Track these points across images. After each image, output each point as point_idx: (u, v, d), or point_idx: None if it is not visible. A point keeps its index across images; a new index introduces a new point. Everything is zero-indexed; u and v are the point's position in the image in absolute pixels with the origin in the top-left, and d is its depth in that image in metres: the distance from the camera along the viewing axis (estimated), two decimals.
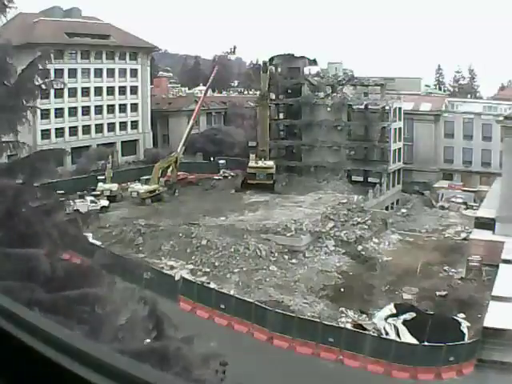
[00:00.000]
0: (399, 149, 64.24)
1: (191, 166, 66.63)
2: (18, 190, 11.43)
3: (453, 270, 42.37)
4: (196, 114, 66.37)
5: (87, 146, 68.70)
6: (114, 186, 57.64)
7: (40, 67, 12.68)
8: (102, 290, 11.53)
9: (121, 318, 12.16)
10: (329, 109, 63.36)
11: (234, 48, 67.97)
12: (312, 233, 46.03)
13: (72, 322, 10.47)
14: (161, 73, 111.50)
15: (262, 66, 64.37)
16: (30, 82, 12.33)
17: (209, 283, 38.43)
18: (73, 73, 68.96)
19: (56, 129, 66.97)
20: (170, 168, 60.14)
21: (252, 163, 60.62)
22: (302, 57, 66.84)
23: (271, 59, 66.78)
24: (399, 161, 64.29)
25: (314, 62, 67.86)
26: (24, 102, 12.29)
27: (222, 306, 34.54)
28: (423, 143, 68.65)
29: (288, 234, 45.29)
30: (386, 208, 58.05)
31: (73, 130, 69.14)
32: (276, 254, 43.21)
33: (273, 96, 64.92)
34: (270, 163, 60.06)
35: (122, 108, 74.79)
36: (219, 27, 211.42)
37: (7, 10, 11.77)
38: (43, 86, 12.84)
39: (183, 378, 10.08)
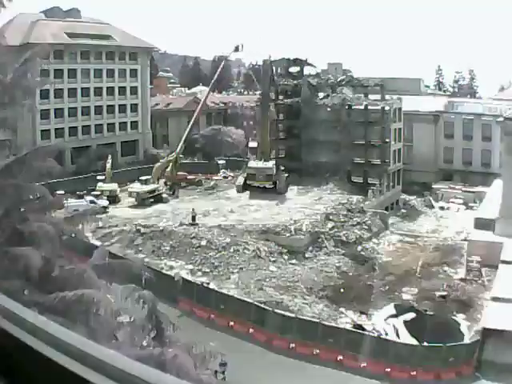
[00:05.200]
0: (399, 149, 64.19)
1: (191, 166, 66.68)
2: (16, 189, 11.42)
3: (452, 271, 42.38)
4: (198, 114, 66.30)
5: (87, 147, 68.74)
6: (114, 186, 57.63)
7: (36, 64, 12.67)
8: (98, 291, 11.52)
9: (119, 319, 12.15)
10: (329, 109, 63.36)
11: (241, 46, 67.54)
12: (312, 233, 46.01)
13: (69, 324, 10.46)
14: (160, 73, 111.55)
15: (262, 66, 64.21)
16: (25, 78, 12.32)
17: (208, 283, 38.42)
18: (73, 73, 69.03)
19: (56, 129, 66.98)
20: (170, 168, 60.13)
21: (252, 164, 60.46)
22: (301, 59, 66.81)
23: (272, 61, 66.73)
24: (399, 161, 64.25)
25: (310, 64, 67.82)
26: (20, 98, 12.29)
27: (222, 307, 34.52)
28: (423, 144, 68.65)
29: (288, 235, 45.27)
30: (386, 208, 58.00)
31: (73, 131, 69.17)
32: (276, 255, 43.21)
33: (273, 96, 64.90)
34: (270, 164, 59.80)
35: (122, 108, 74.79)
36: (219, 28, 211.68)
37: (4, 9, 11.77)
38: (39, 85, 12.85)
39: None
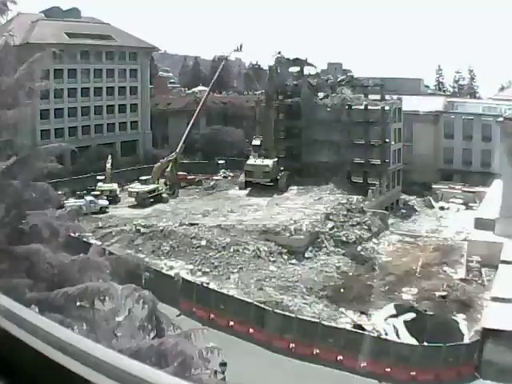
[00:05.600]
0: (399, 149, 64.19)
1: (191, 166, 66.68)
2: (18, 189, 11.45)
3: (452, 271, 42.38)
4: (198, 114, 66.39)
5: (87, 147, 68.72)
6: (114, 186, 57.65)
7: (40, 66, 12.71)
8: (100, 283, 11.56)
9: (119, 315, 12.17)
10: (328, 109, 63.35)
11: (241, 46, 67.36)
12: (311, 233, 46.01)
13: (71, 320, 10.48)
14: (160, 73, 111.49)
15: (269, 68, 64.57)
16: (29, 80, 12.36)
17: (208, 283, 38.43)
18: (72, 73, 69.05)
19: (55, 129, 66.98)
20: (170, 168, 60.14)
21: (250, 161, 60.64)
22: (301, 59, 66.80)
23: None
24: (399, 161, 64.24)
25: (310, 64, 67.78)
26: (23, 99, 12.32)
27: (222, 307, 34.53)
28: (423, 144, 68.61)
29: (288, 235, 45.27)
30: (386, 208, 58.00)
31: (72, 131, 69.16)
32: (275, 255, 43.21)
33: (273, 96, 64.88)
34: (269, 162, 59.87)
35: (122, 108, 74.79)
36: (219, 28, 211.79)
37: (8, 11, 11.79)
38: (42, 87, 12.88)
39: (181, 375, 10.09)
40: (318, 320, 33.04)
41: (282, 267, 41.91)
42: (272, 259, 42.66)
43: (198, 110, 67.03)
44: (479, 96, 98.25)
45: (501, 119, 47.56)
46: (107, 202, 54.24)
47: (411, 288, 39.35)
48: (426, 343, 30.73)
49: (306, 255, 44.05)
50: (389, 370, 29.64)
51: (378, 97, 63.42)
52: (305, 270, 41.93)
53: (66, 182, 54.73)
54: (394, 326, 33.04)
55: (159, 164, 60.05)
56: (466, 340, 31.47)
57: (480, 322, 31.54)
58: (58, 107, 67.16)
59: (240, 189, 59.29)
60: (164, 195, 57.39)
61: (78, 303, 11.24)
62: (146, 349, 10.74)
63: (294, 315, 33.43)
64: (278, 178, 60.09)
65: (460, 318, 34.33)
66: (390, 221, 54.48)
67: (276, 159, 61.34)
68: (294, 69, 67.18)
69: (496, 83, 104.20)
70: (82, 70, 70.19)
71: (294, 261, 43.00)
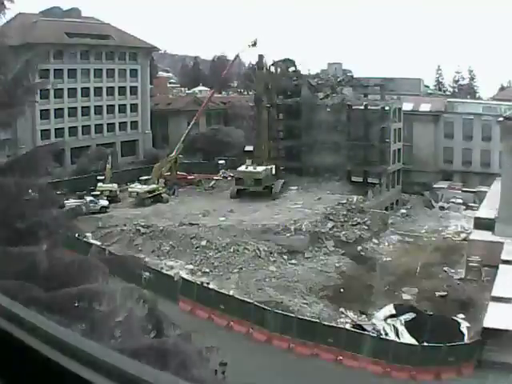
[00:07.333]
0: (399, 149, 64.17)
1: (191, 166, 66.60)
2: (16, 188, 11.43)
3: (452, 271, 42.38)
4: (199, 113, 66.33)
5: (87, 147, 68.65)
6: (114, 186, 57.64)
7: (36, 65, 12.70)
8: (99, 285, 11.55)
9: (119, 315, 12.16)
10: (328, 109, 63.30)
11: (255, 41, 66.57)
12: (311, 233, 45.99)
13: (70, 320, 10.46)
14: (160, 73, 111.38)
15: (257, 65, 64.27)
16: (26, 79, 12.36)
17: (208, 283, 38.43)
18: (72, 73, 68.97)
19: (56, 129, 66.90)
20: (169, 168, 60.09)
21: (241, 168, 58.22)
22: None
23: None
24: (399, 161, 64.23)
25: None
26: (20, 98, 12.32)
27: (222, 307, 34.53)
28: (423, 144, 68.58)
29: (287, 235, 45.25)
30: (386, 208, 58.00)
31: (72, 131, 69.07)
32: (275, 255, 43.20)
33: (272, 98, 64.60)
34: (260, 169, 57.30)
35: (122, 108, 74.71)
36: (218, 28, 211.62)
37: (6, 10, 11.78)
38: (39, 85, 12.87)
39: (181, 375, 10.09)
40: (318, 320, 33.05)
41: (282, 267, 41.90)
42: (272, 259, 42.64)
43: (201, 107, 66.95)
44: (479, 96, 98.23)
45: (501, 119, 47.55)
46: (107, 202, 54.23)
47: (411, 288, 39.35)
48: (425, 343, 30.73)
49: (306, 255, 44.04)
50: (389, 370, 29.66)
51: (378, 97, 63.39)
52: (305, 269, 41.92)
53: (66, 181, 54.95)
54: (394, 326, 33.04)
55: (159, 164, 59.99)
56: (466, 340, 31.47)
57: (480, 321, 31.52)
58: (57, 107, 67.09)
59: (232, 197, 56.26)
60: (164, 195, 57.31)
61: (76, 304, 11.22)
62: (146, 349, 10.73)
63: (294, 315, 33.43)
64: (272, 185, 56.99)
65: (460, 318, 34.32)
66: (390, 221, 54.47)
67: (272, 166, 58.81)
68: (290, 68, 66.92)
69: (496, 83, 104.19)
70: (81, 69, 70.11)
71: (293, 261, 42.99)
